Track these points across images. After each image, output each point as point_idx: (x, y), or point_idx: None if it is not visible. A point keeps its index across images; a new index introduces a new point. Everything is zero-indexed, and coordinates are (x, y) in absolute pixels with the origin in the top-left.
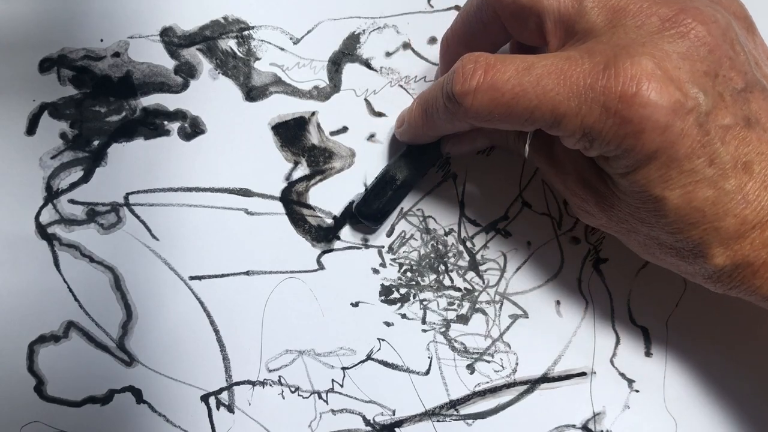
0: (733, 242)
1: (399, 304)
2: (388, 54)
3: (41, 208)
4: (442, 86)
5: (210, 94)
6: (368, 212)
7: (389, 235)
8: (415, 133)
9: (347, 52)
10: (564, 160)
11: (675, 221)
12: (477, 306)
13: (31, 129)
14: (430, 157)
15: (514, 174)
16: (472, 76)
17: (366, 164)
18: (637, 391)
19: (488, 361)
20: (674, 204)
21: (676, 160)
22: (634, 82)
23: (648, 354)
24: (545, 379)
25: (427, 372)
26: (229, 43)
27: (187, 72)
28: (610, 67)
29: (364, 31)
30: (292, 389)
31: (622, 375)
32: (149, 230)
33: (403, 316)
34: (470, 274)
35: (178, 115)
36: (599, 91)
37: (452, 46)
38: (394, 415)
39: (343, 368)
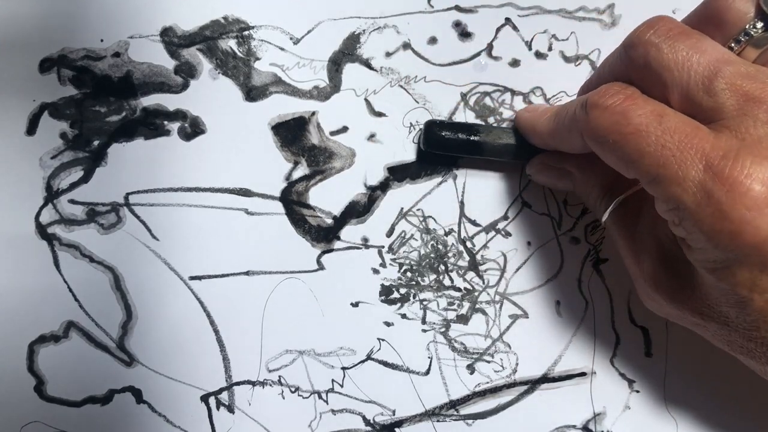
0: None
1: (399, 304)
2: (388, 54)
3: (41, 208)
4: (581, 97)
5: (210, 94)
6: (431, 131)
7: (389, 235)
8: (534, 125)
9: (347, 52)
10: (646, 239)
11: (756, 320)
12: (477, 306)
13: (31, 129)
14: (517, 155)
15: (514, 174)
16: (612, 96)
17: (366, 164)
18: (638, 391)
19: (488, 361)
20: (759, 306)
21: None
22: (748, 180)
23: (648, 354)
24: (545, 379)
25: (427, 372)
26: (229, 43)
27: (187, 72)
28: (728, 158)
29: (364, 31)
30: (292, 389)
31: (622, 375)
32: (149, 230)
33: (403, 316)
34: (470, 274)
35: (178, 115)
36: (710, 176)
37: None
38: (394, 415)
39: (343, 368)
